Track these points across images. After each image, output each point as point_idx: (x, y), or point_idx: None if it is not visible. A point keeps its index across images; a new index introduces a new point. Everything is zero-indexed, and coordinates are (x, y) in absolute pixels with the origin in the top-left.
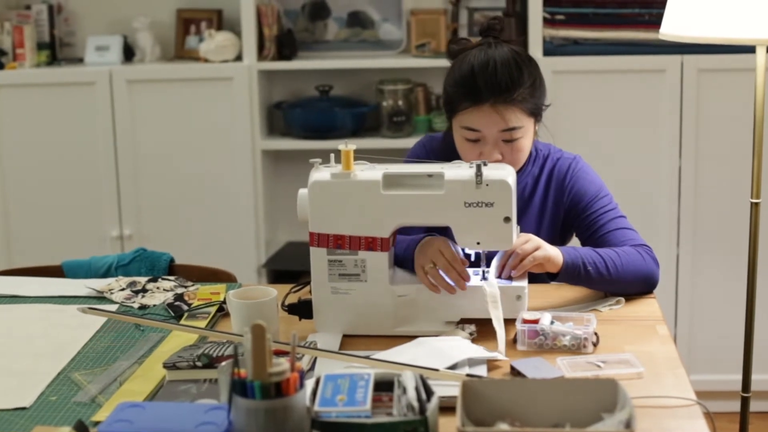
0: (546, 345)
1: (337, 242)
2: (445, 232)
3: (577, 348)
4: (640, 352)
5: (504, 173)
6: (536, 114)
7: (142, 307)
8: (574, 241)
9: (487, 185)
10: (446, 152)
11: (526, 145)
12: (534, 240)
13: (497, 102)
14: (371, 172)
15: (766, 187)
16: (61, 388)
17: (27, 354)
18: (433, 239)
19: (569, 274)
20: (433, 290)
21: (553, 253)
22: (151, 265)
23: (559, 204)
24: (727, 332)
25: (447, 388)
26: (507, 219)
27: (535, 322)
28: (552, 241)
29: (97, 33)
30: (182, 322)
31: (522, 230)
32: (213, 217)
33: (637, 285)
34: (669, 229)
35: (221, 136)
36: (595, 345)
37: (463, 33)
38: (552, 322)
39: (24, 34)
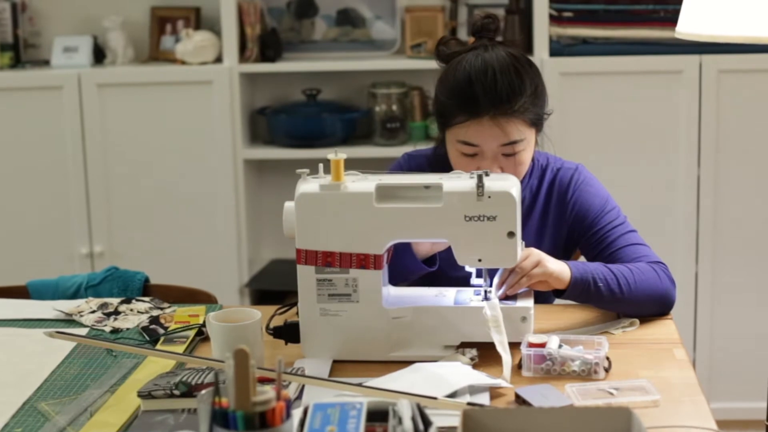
0: (554, 371)
1: (326, 260)
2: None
3: (587, 374)
4: (656, 377)
5: (507, 184)
6: (538, 124)
7: (115, 330)
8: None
9: (489, 197)
10: (430, 170)
11: (527, 157)
12: (534, 255)
13: (497, 114)
14: (363, 184)
15: None
16: (27, 419)
17: None
18: None
19: (577, 291)
20: None
21: (557, 269)
22: (124, 285)
23: (561, 220)
24: (751, 356)
25: (446, 418)
26: (511, 234)
27: (542, 345)
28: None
29: (64, 33)
30: (158, 347)
31: None
32: (191, 232)
33: (651, 305)
34: (687, 245)
35: (200, 144)
36: (607, 370)
37: (461, 32)
38: (560, 346)
39: None
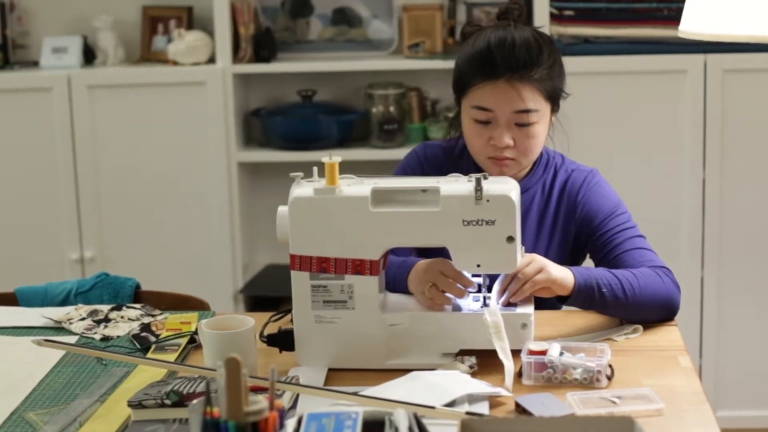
0: (555, 379)
1: (321, 265)
2: (441, 253)
3: (589, 382)
4: (660, 386)
5: (506, 187)
6: (554, 99)
7: (105, 338)
8: (587, 263)
9: (487, 201)
10: (446, 161)
11: (540, 132)
12: (537, 261)
13: (513, 78)
14: (358, 188)
15: None
16: (15, 429)
17: None
18: (428, 262)
19: (581, 297)
20: (438, 310)
21: (561, 275)
22: (115, 291)
23: (570, 220)
24: (758, 363)
25: (444, 428)
26: (510, 239)
27: (543, 353)
28: (562, 262)
29: (54, 33)
30: (149, 355)
31: (529, 248)
32: (184, 237)
33: (655, 311)
34: (692, 249)
35: (193, 147)
36: (609, 378)
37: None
38: (561, 354)
39: None
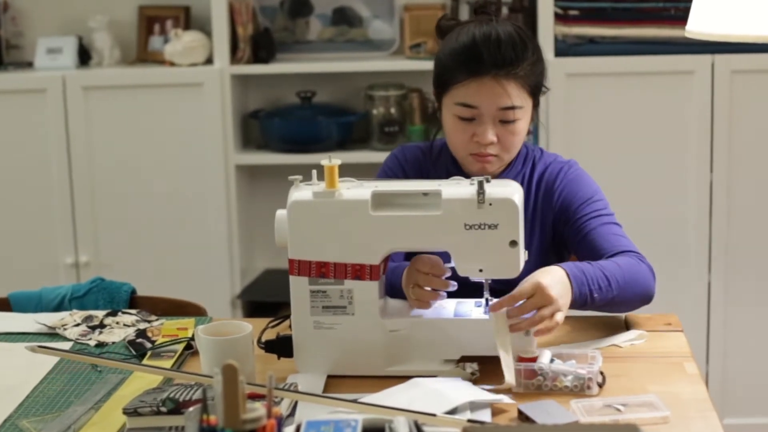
0: (545, 386)
1: (320, 270)
2: (442, 257)
3: (580, 389)
4: (666, 393)
5: (509, 191)
6: (536, 95)
7: (100, 344)
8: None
9: (490, 204)
10: (425, 162)
11: (523, 128)
12: (555, 303)
13: (499, 75)
14: (358, 191)
15: None
16: None
17: None
18: (413, 260)
19: (576, 305)
20: (424, 308)
21: (569, 299)
22: (110, 296)
23: (548, 210)
24: (766, 370)
25: None
26: (513, 243)
27: (533, 360)
28: (544, 254)
29: (48, 33)
30: (145, 361)
31: None
32: (180, 241)
33: (635, 303)
34: (699, 253)
35: (190, 149)
36: (600, 386)
37: None
38: (552, 360)
39: None
